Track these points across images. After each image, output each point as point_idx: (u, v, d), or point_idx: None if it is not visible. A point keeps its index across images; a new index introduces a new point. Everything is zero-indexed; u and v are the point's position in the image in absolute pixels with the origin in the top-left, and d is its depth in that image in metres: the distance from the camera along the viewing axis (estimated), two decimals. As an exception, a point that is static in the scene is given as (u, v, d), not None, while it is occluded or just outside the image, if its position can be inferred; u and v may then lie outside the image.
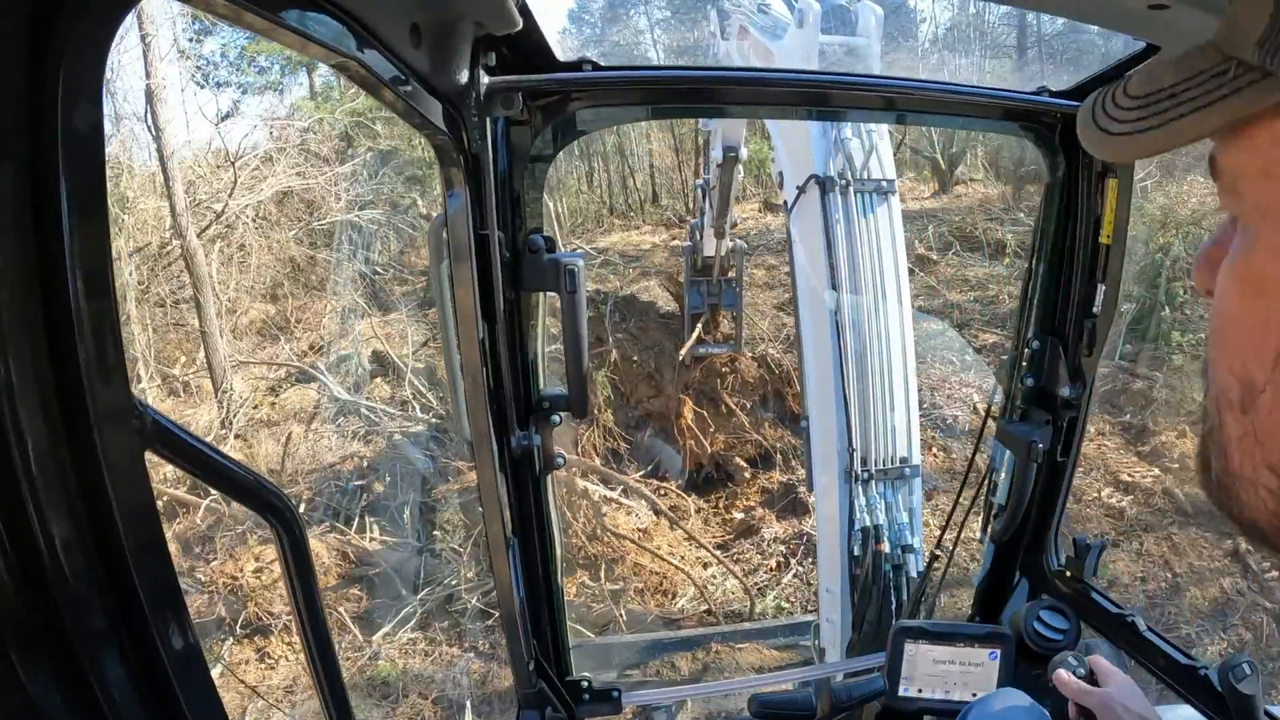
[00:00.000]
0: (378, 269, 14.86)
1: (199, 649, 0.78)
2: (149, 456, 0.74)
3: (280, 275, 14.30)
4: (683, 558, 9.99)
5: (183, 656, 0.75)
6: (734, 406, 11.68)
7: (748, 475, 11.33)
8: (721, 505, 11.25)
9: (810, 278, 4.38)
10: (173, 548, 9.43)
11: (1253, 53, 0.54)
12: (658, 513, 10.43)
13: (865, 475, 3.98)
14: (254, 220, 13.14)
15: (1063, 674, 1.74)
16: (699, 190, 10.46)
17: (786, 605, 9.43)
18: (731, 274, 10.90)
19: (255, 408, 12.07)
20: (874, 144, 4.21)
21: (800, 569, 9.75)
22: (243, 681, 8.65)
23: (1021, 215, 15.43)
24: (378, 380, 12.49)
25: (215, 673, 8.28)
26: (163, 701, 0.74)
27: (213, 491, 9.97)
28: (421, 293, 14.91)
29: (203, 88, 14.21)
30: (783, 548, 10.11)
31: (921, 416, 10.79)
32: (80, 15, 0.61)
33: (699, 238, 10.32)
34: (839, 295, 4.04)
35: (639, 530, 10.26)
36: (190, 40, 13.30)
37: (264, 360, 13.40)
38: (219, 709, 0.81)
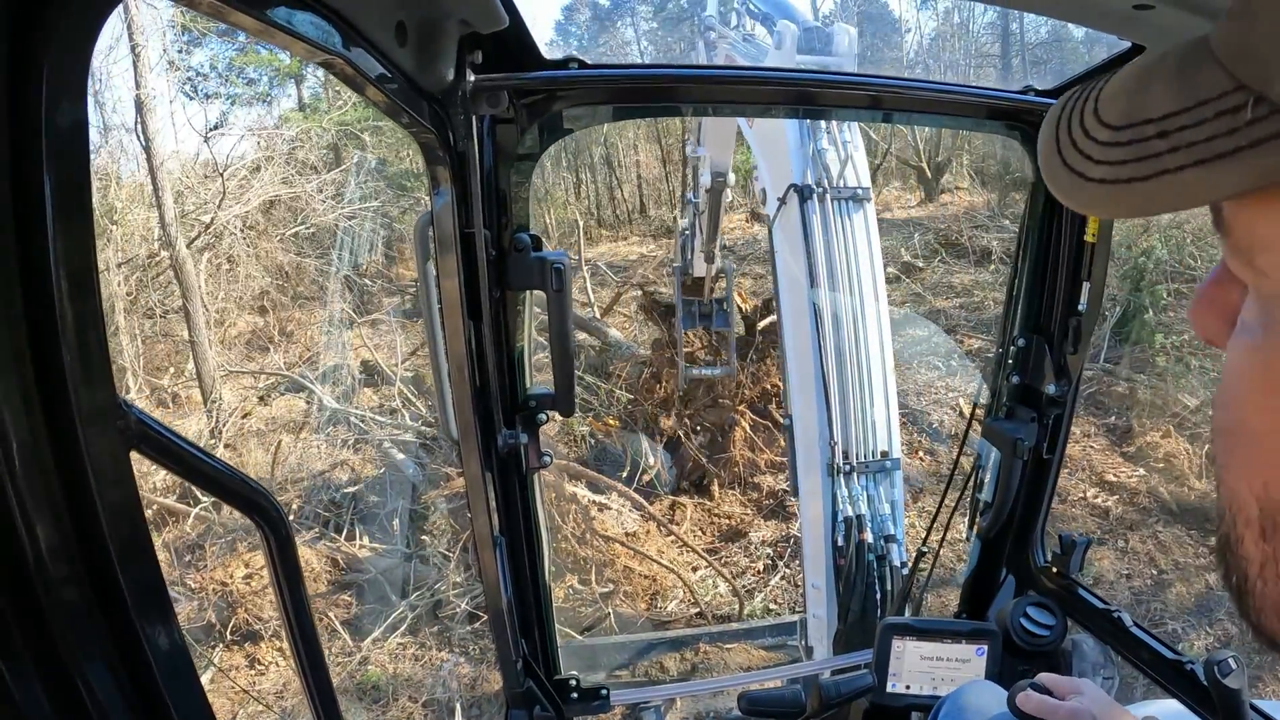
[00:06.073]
0: (367, 279, 14.83)
1: (185, 649, 0.77)
2: (134, 457, 0.72)
3: (269, 285, 14.24)
4: (672, 560, 10.01)
5: (169, 656, 0.74)
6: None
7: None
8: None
9: (791, 282, 4.53)
10: (163, 555, 9.41)
11: None
12: (648, 518, 10.43)
13: (847, 468, 4.08)
14: (242, 230, 13.10)
15: (1024, 695, 1.52)
16: (688, 204, 10.36)
17: (774, 607, 9.46)
18: (720, 294, 10.76)
19: (245, 417, 12.02)
20: (849, 154, 4.37)
21: (788, 571, 9.79)
22: (235, 684, 8.61)
23: (1006, 222, 15.50)
24: (366, 389, 12.47)
25: (206, 678, 8.26)
26: (149, 702, 0.73)
27: (203, 499, 9.96)
28: (411, 301, 14.89)
29: (191, 99, 14.18)
30: (769, 550, 10.16)
31: (907, 419, 10.93)
32: (64, 12, 0.60)
33: (689, 257, 10.22)
34: (818, 297, 4.17)
35: (627, 534, 10.27)
36: (179, 51, 13.27)
37: (253, 370, 13.36)
38: (206, 709, 0.80)
